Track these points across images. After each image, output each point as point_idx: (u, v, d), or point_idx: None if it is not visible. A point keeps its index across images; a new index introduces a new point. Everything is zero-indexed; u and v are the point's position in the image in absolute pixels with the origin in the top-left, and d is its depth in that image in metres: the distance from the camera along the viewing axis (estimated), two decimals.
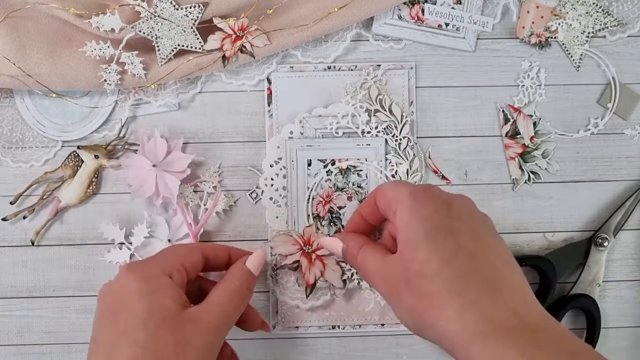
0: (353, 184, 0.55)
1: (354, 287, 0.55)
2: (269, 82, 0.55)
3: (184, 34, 0.52)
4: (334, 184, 0.55)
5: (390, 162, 0.55)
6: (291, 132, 0.55)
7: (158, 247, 0.54)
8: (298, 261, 0.53)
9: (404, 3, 0.54)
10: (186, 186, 0.55)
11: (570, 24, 0.55)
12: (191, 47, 0.52)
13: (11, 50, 0.51)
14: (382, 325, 0.56)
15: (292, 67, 0.55)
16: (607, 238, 0.55)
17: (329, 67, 0.55)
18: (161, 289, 0.44)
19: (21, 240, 0.55)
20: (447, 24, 0.55)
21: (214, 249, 0.51)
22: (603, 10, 0.55)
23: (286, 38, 0.53)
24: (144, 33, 0.51)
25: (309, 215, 0.55)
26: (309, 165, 0.55)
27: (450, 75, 0.56)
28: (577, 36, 0.55)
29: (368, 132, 0.55)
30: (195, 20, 0.51)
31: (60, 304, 0.55)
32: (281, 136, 0.55)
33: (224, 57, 0.53)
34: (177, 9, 0.51)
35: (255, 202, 0.56)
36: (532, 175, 0.56)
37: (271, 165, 0.55)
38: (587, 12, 0.55)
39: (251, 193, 0.56)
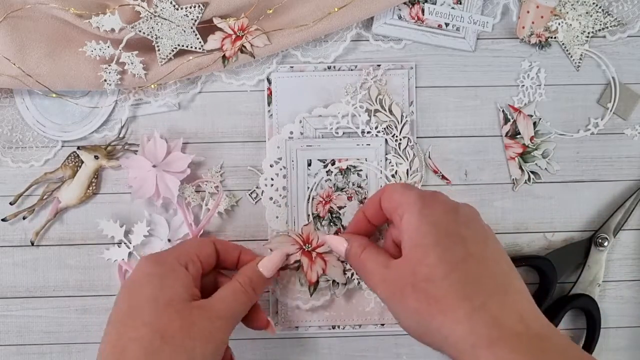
0: (353, 184, 0.55)
1: (354, 287, 0.55)
2: (269, 82, 0.55)
3: (184, 34, 0.52)
4: (334, 184, 0.55)
5: (390, 162, 0.55)
6: (291, 132, 0.55)
7: (157, 246, 0.54)
8: (299, 260, 0.53)
9: (404, 3, 0.54)
10: (188, 186, 0.55)
11: (570, 24, 0.55)
12: (191, 47, 0.52)
13: (11, 50, 0.51)
14: (382, 325, 0.56)
15: (292, 67, 0.55)
16: (607, 238, 0.55)
17: (329, 67, 0.55)
18: (173, 275, 0.46)
19: (21, 240, 0.55)
20: (447, 24, 0.55)
21: (226, 245, 0.51)
22: (603, 10, 0.55)
23: (286, 38, 0.53)
24: (144, 33, 0.51)
25: (309, 215, 0.55)
26: (309, 165, 0.55)
27: (450, 75, 0.56)
28: (577, 36, 0.55)
29: (368, 132, 0.55)
30: (195, 20, 0.51)
31: (60, 304, 0.55)
32: (281, 136, 0.55)
33: (224, 57, 0.53)
34: (177, 9, 0.51)
35: (255, 202, 0.56)
36: (532, 175, 0.56)
37: (271, 165, 0.55)
38: (587, 12, 0.55)
39: (251, 193, 0.56)
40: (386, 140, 0.55)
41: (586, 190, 0.56)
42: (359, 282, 0.55)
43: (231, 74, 0.55)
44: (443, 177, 0.56)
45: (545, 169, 0.56)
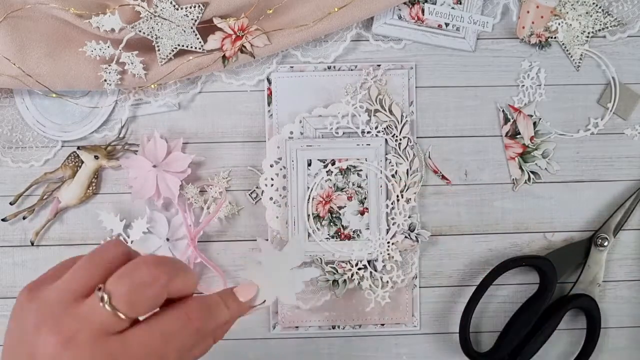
0: (353, 184, 0.55)
1: (354, 287, 0.55)
2: (269, 82, 0.55)
3: (184, 34, 0.52)
4: (334, 184, 0.55)
5: (390, 162, 0.55)
6: (291, 132, 0.55)
7: (156, 244, 0.54)
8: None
9: (404, 3, 0.54)
10: (191, 186, 0.54)
11: (570, 24, 0.55)
12: (191, 47, 0.52)
13: (11, 50, 0.51)
14: (382, 325, 0.56)
15: (292, 67, 0.55)
16: (607, 238, 0.55)
17: (329, 67, 0.55)
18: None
19: (21, 240, 0.55)
20: (447, 24, 0.55)
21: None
22: (603, 10, 0.55)
23: (286, 38, 0.53)
24: (144, 33, 0.51)
25: (309, 215, 0.55)
26: (309, 165, 0.55)
27: (450, 75, 0.56)
28: (577, 36, 0.55)
29: (368, 132, 0.55)
30: (195, 20, 0.51)
31: None
32: (281, 136, 0.55)
33: (224, 57, 0.53)
34: (177, 9, 0.51)
35: (255, 202, 0.56)
36: (532, 175, 0.56)
37: (271, 165, 0.55)
38: (587, 12, 0.55)
39: (251, 193, 0.56)
40: (386, 140, 0.55)
41: (586, 190, 0.56)
42: (359, 282, 0.55)
43: (231, 74, 0.55)
44: (443, 177, 0.56)
45: (545, 169, 0.56)
